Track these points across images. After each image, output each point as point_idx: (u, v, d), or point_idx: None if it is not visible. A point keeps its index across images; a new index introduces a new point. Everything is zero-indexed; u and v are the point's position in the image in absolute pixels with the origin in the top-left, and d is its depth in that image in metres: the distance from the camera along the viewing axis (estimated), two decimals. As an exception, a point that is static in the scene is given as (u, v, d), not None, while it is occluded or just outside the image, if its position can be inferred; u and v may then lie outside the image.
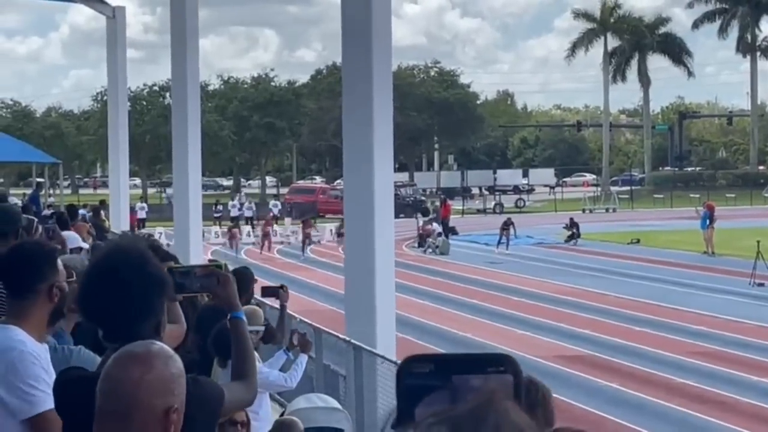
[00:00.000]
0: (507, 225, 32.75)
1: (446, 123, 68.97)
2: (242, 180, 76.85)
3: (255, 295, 7.69)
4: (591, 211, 53.53)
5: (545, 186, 66.33)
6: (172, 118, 19.44)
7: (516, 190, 64.25)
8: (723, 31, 67.32)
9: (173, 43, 18.29)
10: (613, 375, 14.49)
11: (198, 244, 18.87)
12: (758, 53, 67.27)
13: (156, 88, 65.47)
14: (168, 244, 18.68)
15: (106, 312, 2.51)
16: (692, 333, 17.62)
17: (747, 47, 67.74)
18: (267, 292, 7.82)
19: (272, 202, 49.53)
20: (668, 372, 14.65)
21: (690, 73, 69.85)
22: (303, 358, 6.66)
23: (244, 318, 2.96)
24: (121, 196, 24.78)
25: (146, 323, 2.50)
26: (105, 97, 34.53)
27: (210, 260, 7.48)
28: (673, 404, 12.80)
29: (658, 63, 70.44)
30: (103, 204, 23.93)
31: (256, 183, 75.99)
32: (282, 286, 7.64)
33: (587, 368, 14.90)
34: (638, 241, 35.19)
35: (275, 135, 67.59)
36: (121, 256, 2.71)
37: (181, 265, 3.62)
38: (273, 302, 7.78)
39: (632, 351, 16.15)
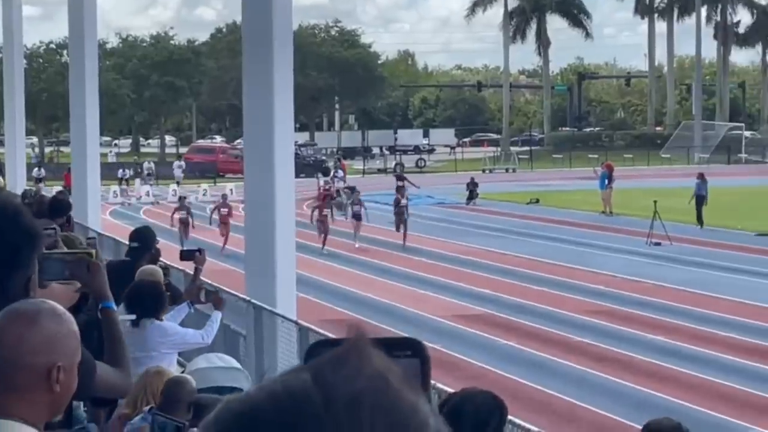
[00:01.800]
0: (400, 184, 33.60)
1: (347, 83, 69.79)
2: (141, 139, 76.83)
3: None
4: (491, 171, 54.89)
5: (446, 146, 67.74)
6: (69, 76, 19.71)
7: (417, 150, 65.38)
8: None
9: (70, 0, 18.46)
10: (512, 334, 14.88)
11: (96, 203, 18.99)
12: (656, 15, 70.00)
13: (53, 45, 65.90)
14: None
15: None
16: (590, 292, 18.28)
17: (645, 9, 70.32)
18: (184, 255, 8.12)
19: (176, 162, 49.91)
20: (567, 330, 15.16)
21: (588, 35, 72.29)
22: (217, 315, 6.98)
23: (115, 307, 3.07)
24: (17, 155, 25.35)
25: (17, 274, 2.55)
26: (1, 54, 33.45)
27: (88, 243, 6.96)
28: (572, 362, 13.23)
29: (557, 24, 72.63)
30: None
31: (155, 142, 76.05)
32: (199, 250, 8.00)
33: (486, 327, 15.31)
34: (537, 201, 36.35)
35: (174, 94, 68.19)
36: None
37: (51, 251, 3.48)
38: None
39: (531, 310, 16.66)
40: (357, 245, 24.01)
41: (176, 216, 23.66)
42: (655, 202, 24.47)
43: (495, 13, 71.37)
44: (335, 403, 0.54)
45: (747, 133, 63.61)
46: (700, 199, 28.21)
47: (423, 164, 59.96)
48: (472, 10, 71.32)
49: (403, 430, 0.57)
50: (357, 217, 24.97)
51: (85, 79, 17.76)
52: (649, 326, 15.49)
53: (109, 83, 52.86)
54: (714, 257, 22.48)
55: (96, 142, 19.08)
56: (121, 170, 45.04)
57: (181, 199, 24.92)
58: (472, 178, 38.62)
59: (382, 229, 26.33)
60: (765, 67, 73.73)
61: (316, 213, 25.07)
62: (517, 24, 70.17)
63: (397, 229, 25.36)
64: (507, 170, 57.19)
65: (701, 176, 29.19)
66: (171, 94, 67.88)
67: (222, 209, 23.70)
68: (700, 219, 27.93)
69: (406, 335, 1.02)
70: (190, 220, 23.34)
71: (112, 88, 55.86)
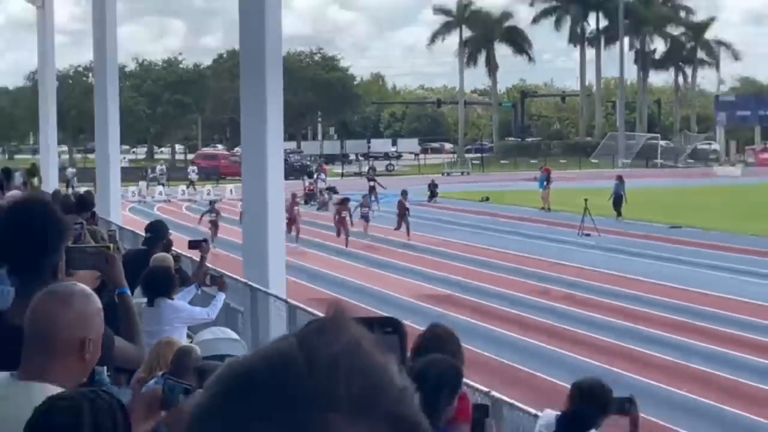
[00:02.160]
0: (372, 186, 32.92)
1: (328, 100, 70.11)
2: (155, 147, 77.14)
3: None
4: (449, 174, 54.60)
5: (411, 153, 67.55)
6: (94, 94, 19.46)
7: (386, 156, 64.81)
8: (558, 24, 69.92)
9: (95, 31, 18.39)
10: (474, 312, 14.78)
11: (117, 200, 18.92)
12: (586, 43, 70.84)
13: (80, 68, 66.63)
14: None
15: (11, 247, 2.61)
16: (532, 275, 18.33)
17: (577, 38, 70.76)
18: (191, 245, 7.99)
19: (190, 167, 49.73)
20: (519, 309, 15.12)
21: (530, 60, 72.64)
22: (221, 296, 6.99)
23: (129, 293, 3.13)
24: (50, 160, 25.39)
25: (46, 260, 2.60)
26: (36, 77, 33.91)
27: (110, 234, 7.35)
28: (527, 337, 13.19)
29: (504, 51, 72.22)
30: (34, 167, 23.68)
31: (167, 150, 76.63)
32: (204, 240, 8.23)
33: (451, 306, 15.18)
34: (488, 199, 36.18)
35: (183, 110, 68.89)
36: (29, 204, 2.97)
37: (76, 245, 3.54)
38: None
39: (488, 292, 16.60)
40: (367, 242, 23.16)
41: (206, 218, 22.08)
42: (585, 200, 24.54)
43: (452, 42, 71.63)
44: (316, 363, 0.56)
45: (662, 143, 64.03)
46: (618, 198, 28.34)
47: (392, 168, 59.88)
48: (433, 39, 72.00)
49: (374, 387, 0.58)
50: (365, 218, 23.98)
51: (107, 97, 17.65)
52: (580, 303, 15.59)
53: (127, 101, 52.36)
54: (634, 246, 22.52)
55: (117, 150, 19.10)
56: (149, 171, 46.78)
57: (211, 203, 23.27)
58: (433, 180, 38.50)
59: (357, 222, 26.27)
60: (677, 87, 74.61)
61: (336, 216, 23.16)
62: (470, 51, 70.40)
63: (364, 222, 24.08)
64: (462, 173, 57.05)
65: (619, 178, 29.32)
66: (180, 110, 68.20)
67: (211, 214, 22.03)
68: (618, 212, 28.07)
69: (387, 315, 0.63)
70: (219, 222, 21.74)
71: (129, 105, 55.44)
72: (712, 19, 70.63)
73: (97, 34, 17.80)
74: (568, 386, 4.68)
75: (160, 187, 40.90)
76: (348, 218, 23.16)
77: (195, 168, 48.37)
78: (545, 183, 32.97)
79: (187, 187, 41.14)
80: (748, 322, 13.99)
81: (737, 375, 11.31)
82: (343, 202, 23.65)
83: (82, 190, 20.85)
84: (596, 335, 13.28)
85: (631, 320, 14.14)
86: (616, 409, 4.25)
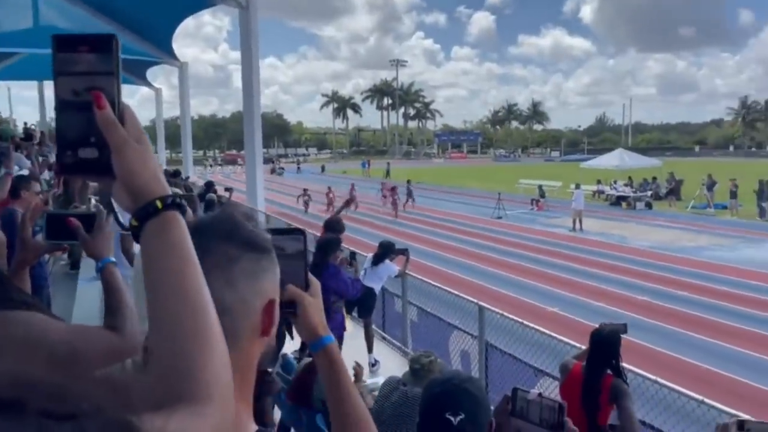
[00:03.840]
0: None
1: (277, 132, 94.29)
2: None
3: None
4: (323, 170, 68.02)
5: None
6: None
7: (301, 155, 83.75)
8: (372, 100, 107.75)
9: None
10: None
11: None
12: (384, 110, 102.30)
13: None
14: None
15: None
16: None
17: (381, 107, 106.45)
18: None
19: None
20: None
21: (361, 116, 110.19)
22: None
23: (113, 263, 1.64)
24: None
25: None
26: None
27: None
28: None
29: (351, 114, 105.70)
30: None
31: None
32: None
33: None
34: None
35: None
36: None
37: (57, 210, 2.36)
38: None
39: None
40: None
41: (302, 199, 25.50)
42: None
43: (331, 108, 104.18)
44: (204, 219, 0.87)
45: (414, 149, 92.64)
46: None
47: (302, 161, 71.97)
48: (322, 106, 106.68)
49: (233, 233, 0.86)
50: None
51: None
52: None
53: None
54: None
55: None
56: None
57: (305, 190, 26.02)
58: (323, 166, 57.35)
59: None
60: (418, 127, 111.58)
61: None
62: (337, 112, 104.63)
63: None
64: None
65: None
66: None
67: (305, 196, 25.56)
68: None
69: (298, 227, 1.04)
70: (310, 201, 25.29)
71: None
72: (432, 101, 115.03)
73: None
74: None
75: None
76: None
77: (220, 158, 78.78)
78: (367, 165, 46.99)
79: (221, 167, 69.06)
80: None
81: None
82: (393, 190, 25.36)
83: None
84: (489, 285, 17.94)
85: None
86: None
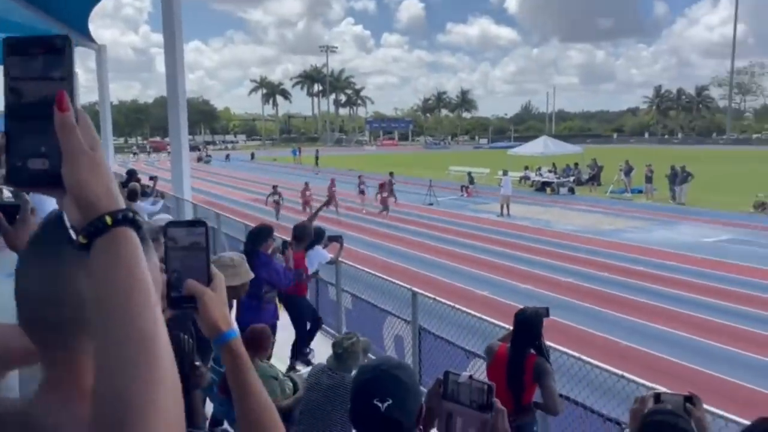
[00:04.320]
0: None
1: (203, 118, 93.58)
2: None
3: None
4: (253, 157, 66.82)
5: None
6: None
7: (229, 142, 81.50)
8: (302, 87, 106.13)
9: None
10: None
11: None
12: (314, 97, 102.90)
13: None
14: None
15: None
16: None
17: (311, 94, 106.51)
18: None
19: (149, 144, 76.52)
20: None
21: (290, 102, 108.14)
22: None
23: None
24: None
25: None
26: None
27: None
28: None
29: (281, 100, 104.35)
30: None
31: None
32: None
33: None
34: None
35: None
36: None
37: None
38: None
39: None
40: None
41: (270, 200, 20.51)
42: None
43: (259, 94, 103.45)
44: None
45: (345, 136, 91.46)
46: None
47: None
48: (250, 92, 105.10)
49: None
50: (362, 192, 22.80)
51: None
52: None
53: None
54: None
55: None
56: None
57: (274, 187, 21.06)
58: (252, 153, 58.72)
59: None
60: (350, 114, 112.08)
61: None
62: (266, 98, 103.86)
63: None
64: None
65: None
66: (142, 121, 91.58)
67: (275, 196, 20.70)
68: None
69: (199, 219, 1.03)
70: (281, 201, 20.52)
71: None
72: (363, 88, 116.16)
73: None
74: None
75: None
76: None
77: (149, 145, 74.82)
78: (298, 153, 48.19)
79: (148, 154, 67.87)
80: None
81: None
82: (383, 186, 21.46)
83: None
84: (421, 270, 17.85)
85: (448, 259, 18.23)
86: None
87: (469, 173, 30.95)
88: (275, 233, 6.06)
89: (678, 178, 24.89)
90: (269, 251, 5.64)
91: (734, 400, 6.63)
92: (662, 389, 2.38)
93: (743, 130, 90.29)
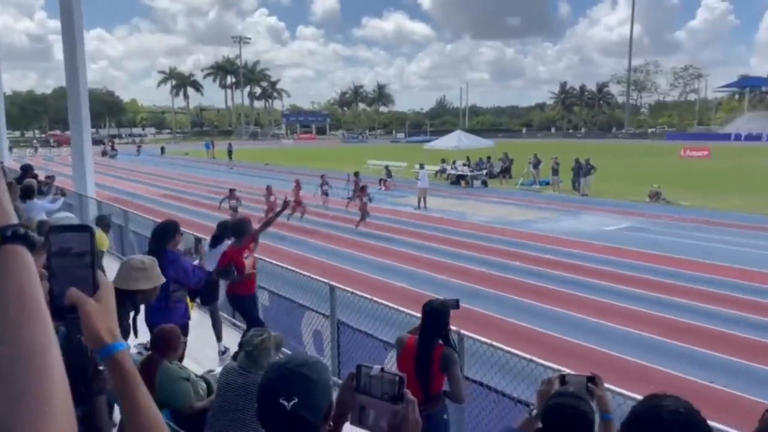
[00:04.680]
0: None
1: (108, 111, 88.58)
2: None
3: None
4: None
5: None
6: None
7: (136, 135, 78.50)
8: (215, 78, 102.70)
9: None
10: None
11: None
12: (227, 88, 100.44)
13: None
14: None
15: None
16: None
17: (224, 86, 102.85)
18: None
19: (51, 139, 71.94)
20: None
21: (202, 95, 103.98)
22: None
23: None
24: None
25: None
26: None
27: None
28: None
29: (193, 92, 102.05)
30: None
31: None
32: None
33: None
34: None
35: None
36: None
37: None
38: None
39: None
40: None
41: (225, 204, 17.80)
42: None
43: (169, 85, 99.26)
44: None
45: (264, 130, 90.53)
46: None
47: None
48: (159, 83, 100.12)
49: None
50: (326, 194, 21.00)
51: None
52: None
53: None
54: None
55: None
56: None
57: (232, 191, 18.02)
58: (162, 147, 57.32)
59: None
60: (266, 108, 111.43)
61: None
62: (176, 90, 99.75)
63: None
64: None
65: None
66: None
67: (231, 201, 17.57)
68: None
69: (84, 224, 1.12)
70: (239, 206, 17.42)
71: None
72: (278, 80, 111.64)
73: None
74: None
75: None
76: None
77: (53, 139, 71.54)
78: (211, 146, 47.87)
79: (51, 149, 64.21)
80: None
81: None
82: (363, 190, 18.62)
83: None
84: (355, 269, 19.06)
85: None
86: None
87: (387, 167, 31.20)
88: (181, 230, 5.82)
89: (582, 170, 26.26)
90: (177, 248, 5.43)
91: (635, 379, 7.10)
92: (567, 371, 2.50)
93: (640, 124, 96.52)
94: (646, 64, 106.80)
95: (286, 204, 7.02)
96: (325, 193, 21.13)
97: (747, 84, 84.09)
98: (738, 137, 68.74)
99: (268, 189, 17.87)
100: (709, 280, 11.80)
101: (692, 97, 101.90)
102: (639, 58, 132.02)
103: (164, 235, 5.31)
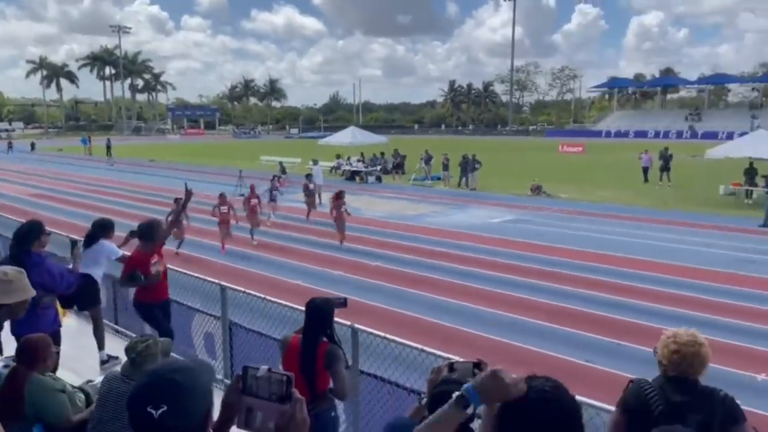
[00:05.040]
0: None
1: None
2: None
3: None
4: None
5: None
6: None
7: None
8: (92, 69, 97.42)
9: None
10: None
11: None
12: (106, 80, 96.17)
13: None
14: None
15: None
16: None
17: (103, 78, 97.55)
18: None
19: None
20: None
21: (77, 87, 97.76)
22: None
23: None
24: None
25: None
26: None
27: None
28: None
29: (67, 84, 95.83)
30: None
31: None
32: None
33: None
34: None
35: None
36: None
37: None
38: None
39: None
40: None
41: (218, 210, 15.12)
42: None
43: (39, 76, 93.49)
44: None
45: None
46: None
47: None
48: (28, 74, 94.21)
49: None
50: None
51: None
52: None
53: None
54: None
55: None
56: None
57: (222, 195, 15.41)
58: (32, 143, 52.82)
59: None
60: (149, 102, 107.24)
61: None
62: (48, 81, 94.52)
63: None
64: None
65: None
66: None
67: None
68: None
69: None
70: (232, 212, 15.17)
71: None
72: (162, 72, 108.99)
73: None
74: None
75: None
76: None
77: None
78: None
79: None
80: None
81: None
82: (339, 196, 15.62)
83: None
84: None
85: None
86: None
87: (281, 163, 30.76)
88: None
89: (469, 166, 27.33)
90: (43, 249, 5.00)
91: (521, 362, 7.50)
92: (456, 358, 2.58)
93: (522, 122, 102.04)
94: (527, 65, 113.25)
95: (189, 194, 6.50)
96: (273, 199, 18.40)
97: (615, 85, 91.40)
98: (608, 134, 74.62)
99: (221, 197, 15.28)
100: (588, 267, 12.72)
101: (568, 96, 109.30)
102: (521, 58, 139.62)
103: (27, 237, 4.87)
